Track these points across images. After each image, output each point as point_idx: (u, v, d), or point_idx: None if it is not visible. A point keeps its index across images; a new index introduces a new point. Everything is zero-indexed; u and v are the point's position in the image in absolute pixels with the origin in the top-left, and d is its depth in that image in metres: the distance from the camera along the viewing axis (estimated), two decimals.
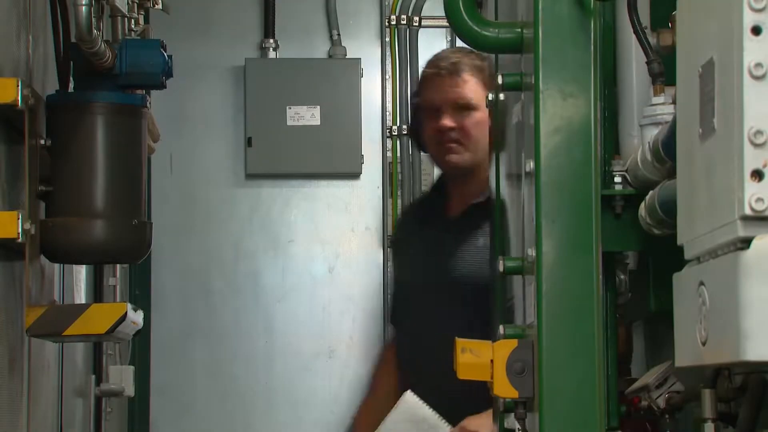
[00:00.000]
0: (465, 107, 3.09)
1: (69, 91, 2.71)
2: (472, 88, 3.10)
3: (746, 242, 1.41)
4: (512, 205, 2.68)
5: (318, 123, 4.78)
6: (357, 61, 4.90)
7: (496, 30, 2.33)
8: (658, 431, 2.43)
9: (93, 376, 3.81)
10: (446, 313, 3.12)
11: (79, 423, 3.52)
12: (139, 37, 2.89)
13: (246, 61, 4.77)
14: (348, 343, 5.00)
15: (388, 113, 4.93)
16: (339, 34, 4.93)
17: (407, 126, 3.19)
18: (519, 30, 2.25)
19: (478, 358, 2.30)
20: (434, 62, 3.21)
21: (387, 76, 4.99)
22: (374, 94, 4.98)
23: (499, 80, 2.35)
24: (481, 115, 3.04)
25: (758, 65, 1.39)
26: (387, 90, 4.99)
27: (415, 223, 3.37)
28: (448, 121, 3.10)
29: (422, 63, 3.91)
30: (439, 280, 3.14)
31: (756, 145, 1.40)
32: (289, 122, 4.74)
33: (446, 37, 5.00)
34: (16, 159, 2.52)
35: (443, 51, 3.38)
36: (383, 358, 3.46)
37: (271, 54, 4.87)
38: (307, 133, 4.77)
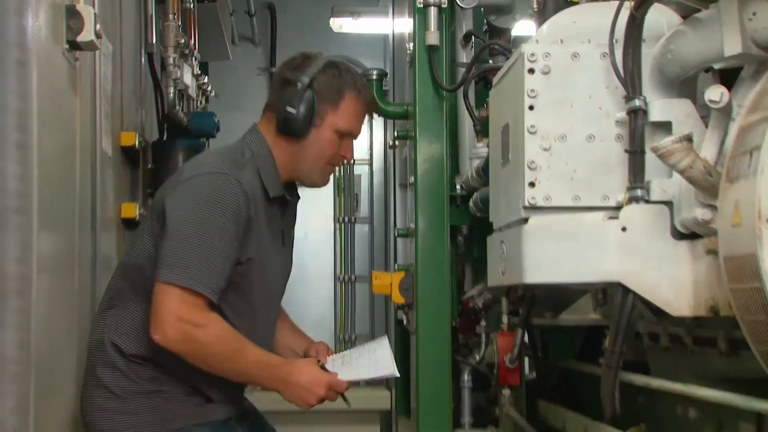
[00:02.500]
0: None
1: (164, 139, 4.00)
2: None
3: (525, 220, 2.05)
4: (402, 200, 3.96)
5: None
6: None
7: (394, 107, 3.67)
8: (477, 321, 3.31)
9: None
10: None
11: None
12: (202, 110, 4.26)
13: None
14: None
15: None
16: None
17: (290, 107, 2.61)
18: (406, 107, 3.58)
19: (383, 282, 3.44)
20: (373, 102, 2.94)
21: None
22: None
23: (395, 134, 3.66)
24: None
25: (532, 126, 2.06)
26: None
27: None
28: (350, 154, 2.84)
29: None
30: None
31: (530, 169, 2.06)
32: None
33: None
34: (135, 176, 3.68)
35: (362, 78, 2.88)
36: None
37: None
38: None
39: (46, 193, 2.34)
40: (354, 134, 2.77)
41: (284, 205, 2.75)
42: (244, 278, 2.59)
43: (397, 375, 2.65)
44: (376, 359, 2.73)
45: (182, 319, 2.45)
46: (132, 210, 3.44)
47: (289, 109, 2.63)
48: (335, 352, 2.83)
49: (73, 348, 2.74)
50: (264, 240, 2.64)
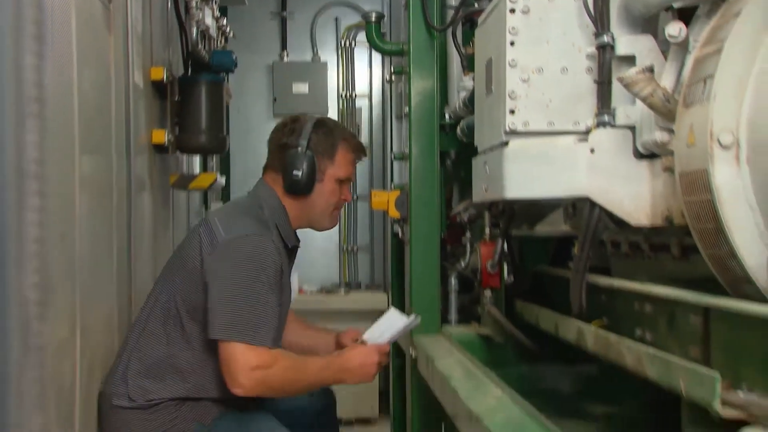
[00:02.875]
0: None
1: (188, 74, 4.00)
2: None
3: (506, 144, 2.06)
4: (398, 129, 3.95)
5: (307, 92, 6.48)
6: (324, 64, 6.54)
7: (391, 46, 3.64)
8: (463, 233, 3.25)
9: None
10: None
11: None
12: (222, 49, 4.26)
13: (274, 63, 6.55)
14: None
15: None
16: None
17: (297, 170, 2.64)
18: (401, 46, 3.59)
19: (381, 199, 3.50)
20: (361, 148, 2.89)
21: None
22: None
23: (392, 70, 3.62)
24: None
25: (513, 60, 2.04)
26: None
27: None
28: (350, 195, 2.88)
29: None
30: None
31: (511, 99, 2.05)
32: (294, 91, 6.47)
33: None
34: (164, 106, 3.74)
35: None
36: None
37: (285, 59, 6.60)
38: (304, 95, 6.46)
39: (85, 122, 2.36)
40: (351, 179, 2.82)
41: (293, 249, 2.80)
42: None
43: (418, 321, 2.81)
44: (395, 321, 2.83)
45: (254, 368, 2.47)
46: (161, 136, 3.51)
47: (296, 173, 2.67)
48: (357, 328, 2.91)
49: (113, 256, 2.77)
50: (286, 284, 2.70)
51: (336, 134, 2.76)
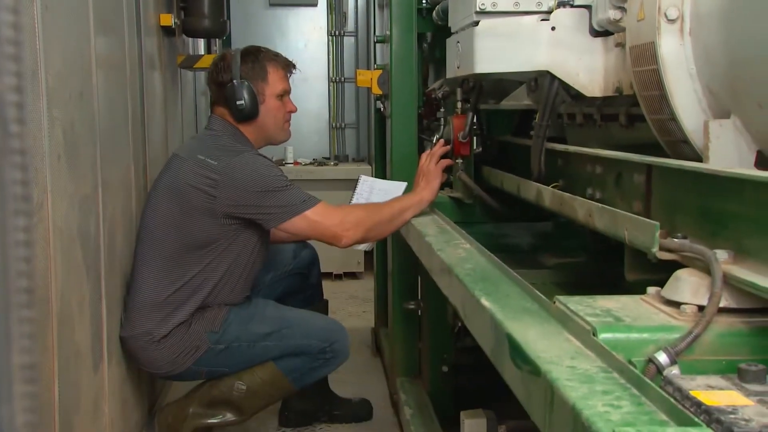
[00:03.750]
0: None
1: None
2: None
3: (476, 23, 2.02)
4: (380, 16, 3.83)
5: None
6: None
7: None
8: (438, 107, 3.19)
9: None
10: None
11: None
12: None
13: None
14: None
15: None
16: None
17: (239, 100, 2.66)
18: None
19: (365, 77, 3.43)
20: (288, 62, 2.85)
21: None
22: None
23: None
24: None
25: None
26: None
27: None
28: (294, 106, 2.85)
29: None
30: None
31: None
32: None
33: None
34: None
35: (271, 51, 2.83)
36: None
37: None
38: None
39: (98, 3, 2.29)
40: (288, 91, 2.78)
41: None
42: None
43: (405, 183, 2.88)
44: (383, 189, 2.90)
45: (335, 216, 2.57)
46: (169, 19, 3.47)
47: (239, 103, 2.65)
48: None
49: (128, 122, 2.74)
50: None
51: (261, 58, 2.75)
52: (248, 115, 2.70)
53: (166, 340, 2.59)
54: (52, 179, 1.80)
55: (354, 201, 2.89)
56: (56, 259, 1.82)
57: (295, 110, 2.85)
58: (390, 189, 2.88)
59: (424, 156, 2.80)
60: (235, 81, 2.68)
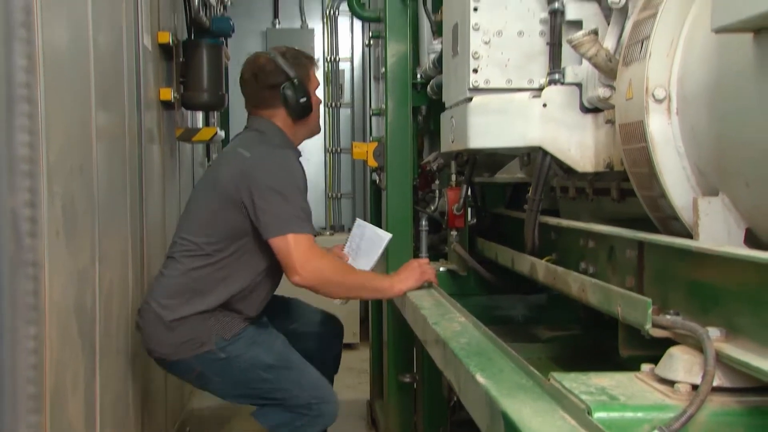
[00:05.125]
0: None
1: (191, 38, 3.97)
2: None
3: (470, 99, 2.06)
4: (376, 88, 3.91)
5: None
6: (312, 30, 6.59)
7: (369, 13, 3.60)
8: (433, 180, 3.24)
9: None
10: None
11: None
12: (221, 16, 4.20)
13: (267, 29, 6.50)
14: None
15: None
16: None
17: (301, 98, 2.72)
18: (378, 13, 3.51)
19: (361, 150, 3.50)
20: (310, 56, 2.93)
21: None
22: None
23: (370, 35, 3.59)
24: None
25: (476, 24, 2.04)
26: None
27: None
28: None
29: None
30: None
31: (474, 59, 2.05)
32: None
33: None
34: (170, 67, 3.69)
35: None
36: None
37: (277, 26, 6.63)
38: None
39: (100, 79, 2.33)
40: (319, 85, 2.90)
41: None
42: None
43: (390, 235, 2.86)
44: (364, 230, 2.92)
45: (307, 253, 2.54)
46: (168, 93, 3.50)
47: (302, 100, 2.74)
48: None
49: (126, 196, 2.75)
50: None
51: (300, 57, 2.82)
52: (308, 110, 2.78)
53: (180, 324, 2.58)
54: (50, 255, 1.79)
55: (348, 244, 2.92)
56: (51, 335, 1.80)
57: (320, 102, 2.95)
58: (374, 240, 2.89)
59: (424, 261, 2.79)
60: (295, 80, 2.74)
